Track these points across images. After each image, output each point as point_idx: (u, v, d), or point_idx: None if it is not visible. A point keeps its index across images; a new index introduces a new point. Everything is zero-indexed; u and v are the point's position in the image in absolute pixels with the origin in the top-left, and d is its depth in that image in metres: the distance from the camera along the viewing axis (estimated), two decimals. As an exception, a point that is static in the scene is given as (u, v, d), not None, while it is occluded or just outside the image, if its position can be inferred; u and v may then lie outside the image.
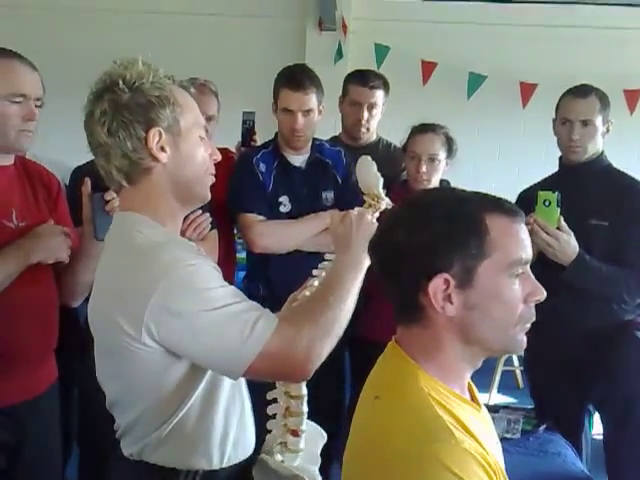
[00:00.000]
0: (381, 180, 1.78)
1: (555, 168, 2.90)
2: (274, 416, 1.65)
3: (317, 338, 1.45)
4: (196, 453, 1.52)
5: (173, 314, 1.38)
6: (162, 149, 1.48)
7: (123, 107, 1.45)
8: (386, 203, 1.77)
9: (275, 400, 1.64)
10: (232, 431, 1.56)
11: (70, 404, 2.58)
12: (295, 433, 1.61)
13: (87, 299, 2.14)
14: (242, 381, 1.62)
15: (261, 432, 2.26)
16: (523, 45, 5.27)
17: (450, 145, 2.90)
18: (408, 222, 1.25)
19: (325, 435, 1.73)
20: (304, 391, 1.62)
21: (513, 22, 5.29)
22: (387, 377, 1.30)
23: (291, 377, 1.52)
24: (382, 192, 1.77)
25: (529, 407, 2.95)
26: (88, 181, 1.94)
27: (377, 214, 1.76)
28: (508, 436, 2.65)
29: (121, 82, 1.46)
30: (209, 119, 2.66)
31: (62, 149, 3.07)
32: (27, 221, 2.05)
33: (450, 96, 5.09)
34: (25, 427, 2.08)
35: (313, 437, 1.68)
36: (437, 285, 1.20)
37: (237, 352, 1.40)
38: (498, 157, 5.35)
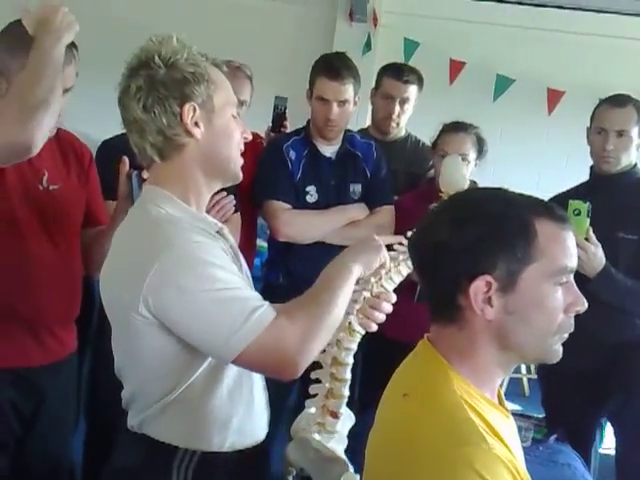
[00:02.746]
0: (467, 183, 1.75)
1: (576, 175, 2.87)
2: (313, 395, 1.65)
3: (310, 338, 1.43)
4: (196, 432, 1.52)
5: (171, 287, 1.38)
6: (196, 124, 1.48)
7: (159, 83, 1.46)
8: None
9: (318, 380, 1.64)
10: (236, 417, 1.55)
11: (80, 377, 2.58)
12: (334, 415, 1.62)
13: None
14: None
15: (277, 423, 2.26)
16: (554, 51, 5.22)
17: (481, 146, 2.87)
18: (453, 220, 1.23)
19: (354, 418, 1.73)
20: (348, 375, 1.61)
21: (545, 27, 5.24)
22: (417, 375, 1.29)
23: (281, 373, 1.48)
24: None
25: (540, 416, 2.93)
26: (126, 159, 1.93)
27: None
28: (518, 444, 2.62)
29: (157, 58, 1.46)
30: (241, 104, 2.64)
31: (88, 122, 3.07)
32: (58, 184, 2.05)
33: (476, 97, 5.05)
34: (43, 394, 2.08)
35: (344, 420, 1.70)
36: (479, 287, 1.18)
37: (228, 338, 1.38)
38: (519, 161, 5.32)
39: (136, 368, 1.51)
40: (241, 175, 1.60)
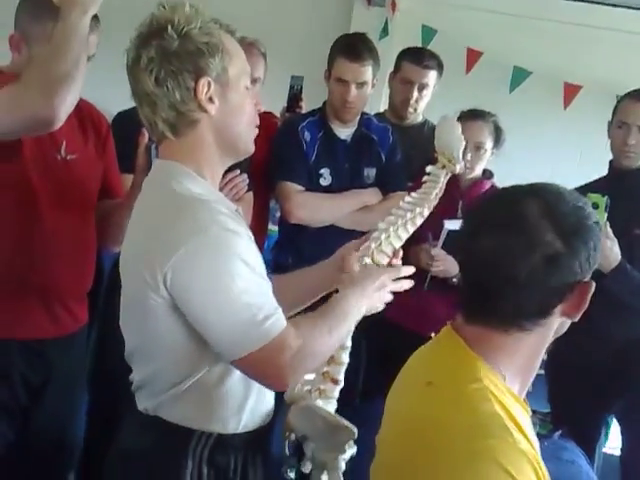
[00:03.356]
0: (464, 144, 1.73)
1: (589, 171, 2.85)
2: None
3: (308, 362, 1.46)
4: (212, 415, 1.50)
5: (194, 271, 1.35)
6: (210, 100, 1.44)
7: (172, 55, 1.40)
8: (460, 167, 1.72)
9: None
10: (251, 398, 1.53)
11: (86, 350, 2.56)
12: (335, 381, 1.63)
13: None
14: None
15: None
16: (572, 45, 5.16)
17: (498, 135, 2.84)
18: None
19: (342, 381, 1.74)
20: (349, 343, 1.63)
21: (564, 20, 5.18)
22: (442, 364, 1.26)
23: (269, 385, 1.50)
24: (461, 155, 1.72)
25: (545, 411, 2.91)
26: (145, 132, 1.90)
27: (449, 175, 1.72)
28: (522, 438, 2.60)
29: (170, 27, 1.40)
30: (255, 81, 2.60)
31: (103, 94, 3.02)
32: (76, 154, 2.03)
33: (492, 87, 4.98)
34: (52, 366, 2.07)
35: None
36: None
37: (232, 342, 1.38)
38: (532, 154, 5.28)
39: (152, 352, 1.48)
40: (253, 148, 1.56)
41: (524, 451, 1.10)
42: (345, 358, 1.64)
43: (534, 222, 1.14)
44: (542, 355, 1.26)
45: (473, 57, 5.05)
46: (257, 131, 1.55)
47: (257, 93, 2.62)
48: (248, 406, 1.53)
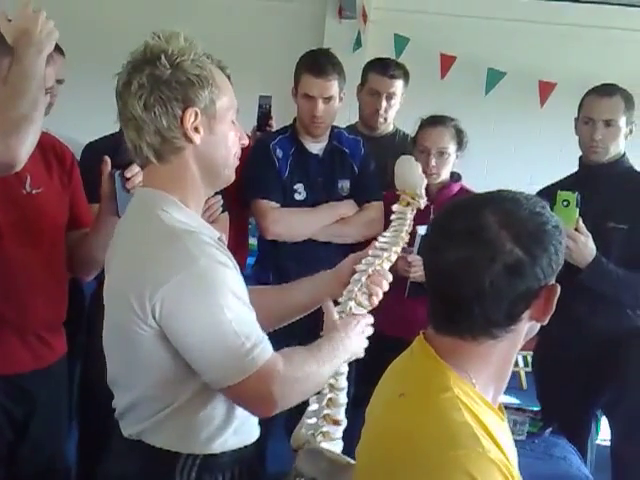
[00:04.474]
0: (425, 182, 1.77)
1: (570, 168, 2.86)
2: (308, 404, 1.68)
3: (295, 388, 1.47)
4: (196, 438, 1.51)
5: (183, 302, 1.37)
6: (196, 130, 1.46)
7: (163, 83, 1.42)
8: (424, 202, 1.76)
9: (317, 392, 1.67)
10: (235, 419, 1.54)
11: (72, 381, 2.56)
12: (337, 422, 1.65)
13: (96, 275, 2.15)
14: None
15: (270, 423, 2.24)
16: (544, 44, 5.22)
17: (460, 138, 2.84)
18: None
19: (345, 420, 1.74)
20: (345, 383, 1.66)
21: (535, 20, 5.24)
22: (414, 375, 1.27)
23: (255, 410, 1.52)
24: (424, 192, 1.76)
25: (535, 409, 2.92)
26: (108, 159, 1.92)
27: (415, 211, 1.76)
28: (513, 437, 2.58)
29: (163, 57, 1.43)
30: None
31: (74, 126, 3.05)
32: (41, 188, 2.03)
33: (468, 91, 5.04)
34: (35, 399, 2.07)
35: None
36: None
37: (219, 372, 1.41)
38: (512, 154, 5.30)
39: (136, 378, 1.49)
40: (234, 177, 1.58)
41: (494, 460, 1.09)
42: (343, 399, 1.66)
43: (493, 233, 1.15)
44: (514, 360, 1.27)
45: (447, 62, 5.09)
46: (238, 162, 1.57)
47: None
48: (234, 425, 1.54)
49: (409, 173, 1.79)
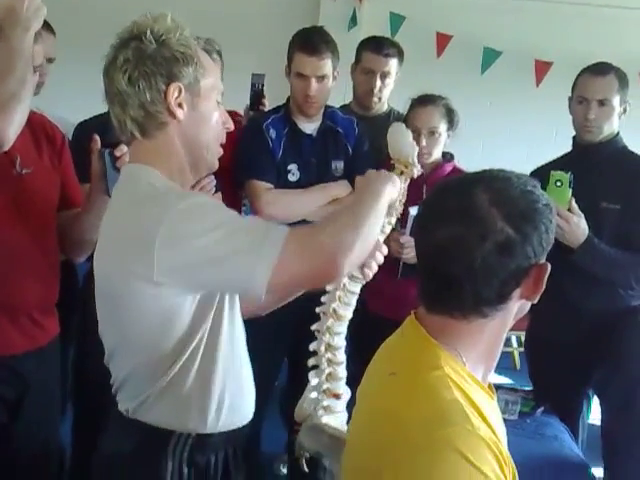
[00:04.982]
0: (416, 149, 1.76)
1: (566, 148, 2.86)
2: (307, 378, 1.69)
3: (339, 231, 1.42)
4: (192, 413, 1.52)
5: (183, 237, 1.37)
6: (180, 106, 1.47)
7: (147, 57, 1.45)
8: (418, 170, 1.74)
9: (315, 367, 1.68)
10: (229, 396, 1.55)
11: (66, 362, 2.57)
12: (337, 396, 1.67)
13: (89, 257, 2.15)
14: (242, 346, 1.62)
15: (265, 404, 2.24)
16: (540, 22, 5.17)
17: (451, 117, 2.83)
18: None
19: (349, 391, 1.74)
20: (343, 357, 1.66)
21: (531, -2, 5.20)
22: (405, 354, 1.27)
23: (323, 272, 1.44)
24: (416, 160, 1.74)
25: (527, 389, 2.94)
26: (97, 137, 1.91)
27: (408, 180, 1.74)
28: (505, 417, 2.57)
29: (149, 32, 1.46)
30: None
31: (65, 106, 3.03)
32: (31, 168, 2.03)
33: (464, 70, 5.01)
34: (27, 381, 2.07)
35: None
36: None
37: (256, 256, 1.36)
38: (509, 133, 5.29)
39: (133, 350, 1.50)
40: (217, 164, 1.59)
41: (483, 437, 1.10)
42: (342, 373, 1.67)
43: (484, 211, 1.16)
44: (504, 339, 1.27)
45: (443, 41, 5.06)
46: (221, 150, 1.58)
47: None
48: (227, 403, 1.55)
49: (400, 140, 1.78)
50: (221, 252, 1.36)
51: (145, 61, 1.45)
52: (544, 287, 1.20)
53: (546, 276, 1.20)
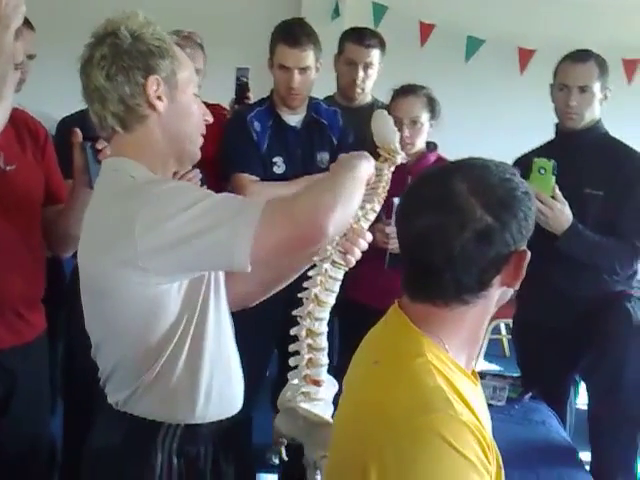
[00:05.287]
0: (398, 135, 1.75)
1: (550, 135, 2.86)
2: (294, 367, 1.66)
3: (317, 194, 1.42)
4: (180, 403, 1.53)
5: (160, 219, 1.37)
6: (159, 98, 1.49)
7: (124, 52, 1.47)
8: (401, 157, 1.74)
9: (297, 352, 1.65)
10: (217, 384, 1.56)
11: (54, 358, 2.57)
12: (317, 383, 1.65)
13: (75, 254, 2.15)
14: (229, 336, 1.62)
15: (256, 394, 2.23)
16: (523, 10, 5.18)
17: (433, 106, 2.83)
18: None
19: (337, 384, 1.75)
20: (325, 343, 1.63)
21: (513, -14, 5.21)
22: (388, 342, 1.28)
23: (306, 234, 1.41)
24: (398, 146, 1.74)
25: (516, 375, 2.96)
26: (78, 131, 1.91)
27: (392, 168, 1.73)
28: (493, 403, 2.64)
29: (123, 28, 1.48)
30: (196, 72, 2.60)
31: (47, 102, 3.02)
32: (15, 164, 2.03)
33: (448, 59, 5.02)
34: (15, 376, 2.07)
35: (327, 386, 1.72)
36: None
37: (233, 228, 1.36)
38: (494, 121, 5.30)
39: (117, 341, 1.51)
40: (199, 154, 1.60)
41: (466, 423, 1.11)
42: (324, 359, 1.65)
43: (463, 200, 1.17)
44: (486, 325, 1.29)
45: (426, 30, 5.06)
46: (202, 140, 1.59)
47: (200, 84, 2.63)
48: (215, 393, 1.56)
49: (382, 127, 1.78)
50: (198, 228, 1.36)
51: (122, 56, 1.47)
52: (524, 274, 1.22)
53: (526, 263, 1.21)
